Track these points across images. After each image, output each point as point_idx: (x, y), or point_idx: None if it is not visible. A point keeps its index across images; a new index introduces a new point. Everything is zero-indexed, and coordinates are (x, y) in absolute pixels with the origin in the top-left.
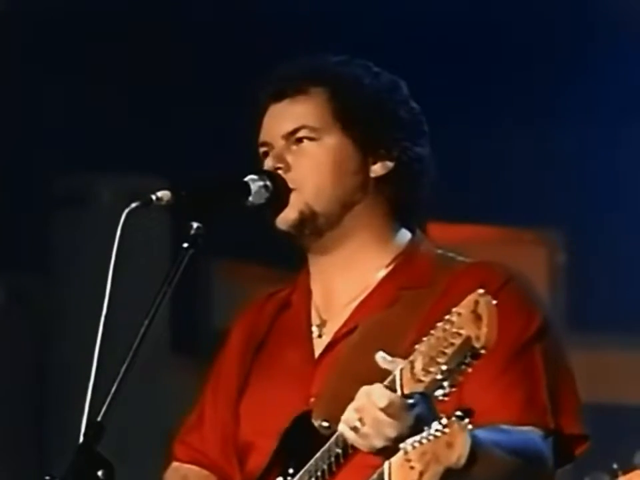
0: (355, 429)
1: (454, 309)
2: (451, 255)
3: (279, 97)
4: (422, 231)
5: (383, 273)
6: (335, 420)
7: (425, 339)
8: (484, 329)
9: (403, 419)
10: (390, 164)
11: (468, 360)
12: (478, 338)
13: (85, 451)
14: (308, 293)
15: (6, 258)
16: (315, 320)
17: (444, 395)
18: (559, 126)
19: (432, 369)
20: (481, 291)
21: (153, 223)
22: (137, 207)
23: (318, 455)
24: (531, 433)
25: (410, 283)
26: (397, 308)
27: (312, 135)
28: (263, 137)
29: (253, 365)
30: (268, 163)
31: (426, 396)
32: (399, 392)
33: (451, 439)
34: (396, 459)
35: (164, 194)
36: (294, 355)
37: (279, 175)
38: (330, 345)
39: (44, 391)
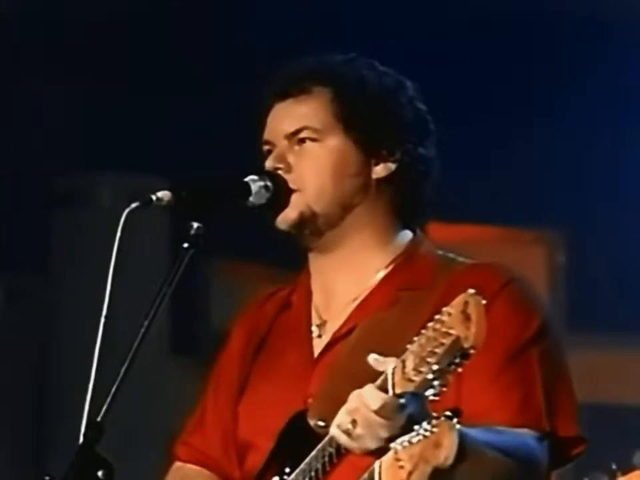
0: (347, 432)
1: (444, 309)
2: (451, 255)
3: (283, 96)
4: (422, 231)
5: (382, 273)
6: (331, 419)
7: (416, 338)
8: (472, 330)
9: (396, 419)
10: (392, 166)
11: (458, 360)
12: (467, 338)
13: (84, 451)
14: (308, 293)
15: (6, 258)
16: (315, 320)
17: (435, 395)
18: (558, 126)
19: (422, 369)
20: (471, 291)
21: (153, 223)
22: (137, 207)
23: (312, 454)
24: (525, 435)
25: (409, 284)
26: (396, 309)
27: (314, 135)
28: (266, 135)
29: (253, 364)
30: (269, 164)
31: (417, 395)
32: (390, 392)
33: (438, 439)
34: (386, 458)
35: (164, 194)
36: (293, 354)
37: (280, 176)
38: (329, 345)
39: (44, 391)
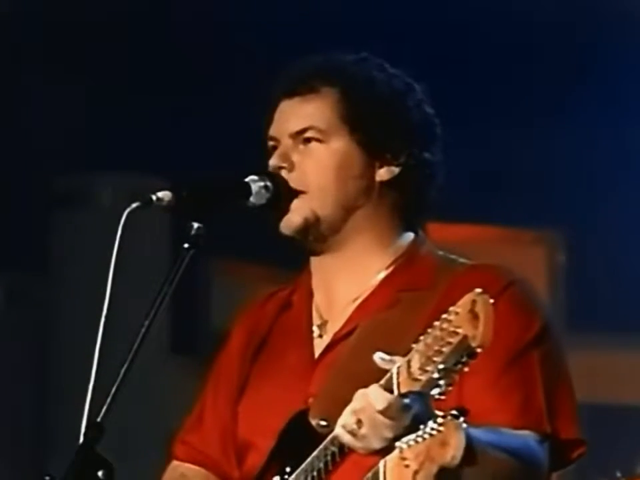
0: (352, 432)
1: (451, 308)
2: (452, 256)
3: (290, 93)
4: (422, 231)
5: (383, 274)
6: (332, 419)
7: (421, 337)
8: (481, 329)
9: (401, 419)
10: (396, 169)
11: (464, 359)
12: (475, 337)
13: (85, 451)
14: (309, 293)
15: (6, 258)
16: (315, 320)
17: (440, 394)
18: (558, 126)
19: (429, 368)
20: (479, 290)
21: (153, 223)
22: (137, 207)
23: (314, 453)
24: (527, 436)
25: (410, 285)
26: (397, 310)
27: (319, 136)
28: (272, 132)
29: (253, 364)
30: (272, 161)
31: (422, 395)
32: (395, 391)
33: (445, 438)
34: (391, 457)
35: (164, 194)
36: (294, 354)
37: (280, 176)
38: (329, 346)
39: (44, 391)
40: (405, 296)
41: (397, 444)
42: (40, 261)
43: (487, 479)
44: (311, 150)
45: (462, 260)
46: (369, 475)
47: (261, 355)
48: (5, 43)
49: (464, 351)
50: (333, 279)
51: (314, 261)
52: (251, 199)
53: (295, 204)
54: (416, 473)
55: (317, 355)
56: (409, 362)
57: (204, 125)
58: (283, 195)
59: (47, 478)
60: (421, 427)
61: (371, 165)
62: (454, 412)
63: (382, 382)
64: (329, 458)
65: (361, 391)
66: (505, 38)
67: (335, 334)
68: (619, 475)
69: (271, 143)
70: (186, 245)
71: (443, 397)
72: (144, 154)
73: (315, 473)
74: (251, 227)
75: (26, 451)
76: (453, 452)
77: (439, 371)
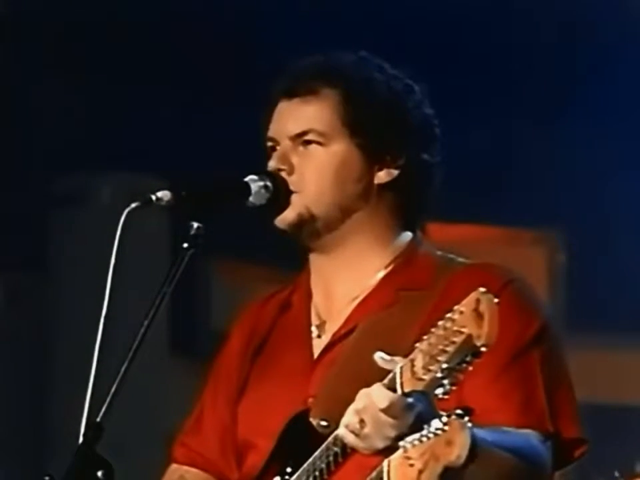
0: (355, 432)
1: (456, 307)
2: (451, 256)
3: (290, 94)
4: (421, 231)
5: (382, 273)
6: (333, 419)
7: (425, 337)
8: (485, 328)
9: (404, 418)
10: (394, 171)
11: (469, 358)
12: (479, 336)
13: (84, 451)
14: (308, 293)
15: (5, 257)
16: (314, 320)
17: (444, 393)
18: (559, 126)
19: (432, 367)
20: (483, 289)
21: (152, 223)
22: (136, 207)
23: (316, 454)
24: (529, 436)
25: (409, 285)
26: (396, 309)
27: (319, 139)
28: (271, 133)
29: (253, 365)
30: (272, 164)
31: (425, 394)
32: (399, 391)
33: (450, 437)
34: (395, 456)
35: (164, 194)
36: (293, 355)
37: (280, 176)
38: (329, 346)
39: (43, 391)
40: (404, 295)
41: (401, 443)
42: (39, 260)
43: (491, 479)
44: (310, 152)
45: (460, 259)
46: (373, 474)
47: (260, 355)
48: (5, 42)
49: (468, 350)
50: (332, 279)
51: (313, 260)
52: (251, 198)
53: (292, 200)
54: (420, 472)
55: (315, 355)
56: (412, 361)
57: (203, 124)
58: (283, 195)
59: (47, 478)
60: (425, 426)
61: (370, 167)
62: (459, 411)
63: (385, 381)
64: (331, 458)
65: (363, 391)
66: (505, 38)
67: (334, 333)
68: (617, 475)
69: (269, 144)
70: (185, 245)
71: (446, 397)
72: (143, 154)
73: (317, 473)
74: (251, 227)
75: (26, 451)
76: (458, 451)
77: (443, 370)
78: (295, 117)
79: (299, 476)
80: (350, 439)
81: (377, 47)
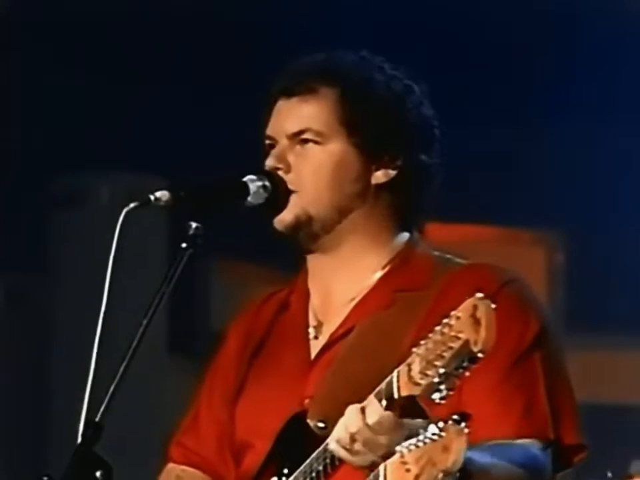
0: (346, 447)
1: (452, 313)
2: (448, 256)
3: (288, 93)
4: (420, 232)
5: (379, 274)
6: (330, 420)
7: (422, 342)
8: (482, 333)
9: (393, 435)
10: (392, 172)
11: (466, 364)
12: (476, 342)
13: (82, 451)
14: (306, 294)
15: (4, 257)
16: (311, 321)
17: (441, 398)
18: (558, 127)
19: (429, 372)
20: (480, 295)
21: (151, 223)
22: (135, 207)
23: (313, 455)
24: (529, 446)
25: (406, 285)
26: (393, 310)
27: (316, 138)
28: (269, 131)
29: (251, 365)
30: (269, 162)
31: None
32: (395, 395)
33: (447, 443)
34: (392, 461)
35: (162, 194)
36: (290, 356)
37: (278, 176)
38: (326, 347)
39: (42, 391)
40: (401, 296)
41: (398, 448)
42: (38, 260)
43: None
44: (307, 151)
45: (457, 259)
46: (370, 478)
47: (258, 356)
48: (5, 42)
49: (465, 356)
50: (329, 279)
51: (310, 261)
52: (249, 198)
53: (290, 201)
54: (417, 477)
55: (313, 356)
56: (409, 365)
57: (203, 124)
58: (281, 194)
59: (45, 478)
60: (421, 431)
61: (367, 167)
62: (455, 417)
63: (382, 385)
64: (328, 460)
65: (353, 406)
66: (504, 37)
67: (332, 334)
68: (609, 475)
69: (268, 142)
70: (184, 245)
71: (443, 402)
72: (142, 154)
73: (313, 475)
74: (250, 227)
75: (26, 451)
76: (455, 457)
77: (440, 375)
78: (293, 115)
79: (295, 477)
80: (341, 454)
81: (377, 47)
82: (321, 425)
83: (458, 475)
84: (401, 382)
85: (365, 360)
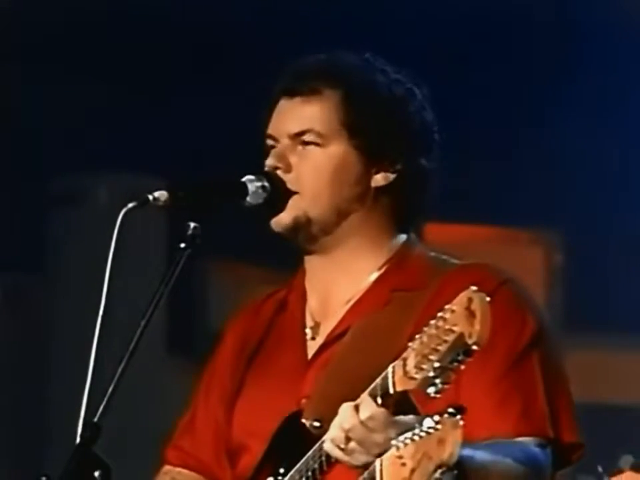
0: (341, 446)
1: (447, 306)
2: (444, 257)
3: (291, 93)
4: (417, 233)
5: (375, 275)
6: (326, 419)
7: (417, 336)
8: (477, 326)
9: (386, 433)
10: (391, 175)
11: (461, 357)
12: (471, 335)
13: (81, 451)
14: (303, 294)
15: (3, 257)
16: (308, 322)
17: (436, 392)
18: (558, 126)
19: (424, 366)
20: (474, 287)
21: (150, 223)
22: (134, 207)
23: (309, 454)
24: (528, 444)
25: (402, 285)
26: (389, 309)
27: (318, 140)
28: (270, 130)
29: (249, 367)
30: (269, 162)
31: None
32: (391, 390)
33: (442, 436)
34: (387, 455)
35: (161, 194)
36: (287, 356)
37: (277, 176)
38: (322, 347)
39: (41, 391)
40: (397, 296)
41: (393, 442)
42: (37, 260)
43: None
44: (308, 153)
45: (454, 260)
46: (365, 474)
47: (256, 357)
48: (4, 42)
49: (460, 349)
50: (327, 280)
51: (307, 262)
52: (248, 198)
53: (289, 203)
54: (413, 471)
55: (309, 356)
56: (404, 360)
57: (201, 124)
58: (280, 195)
59: (43, 478)
60: (417, 425)
61: (367, 170)
62: (451, 410)
63: (377, 381)
64: (323, 458)
65: (347, 404)
66: (504, 37)
67: (328, 335)
68: (600, 470)
69: (269, 142)
70: (182, 245)
71: (438, 396)
72: (141, 154)
73: (309, 473)
74: (249, 228)
75: (25, 451)
76: (451, 449)
77: (435, 369)
78: (296, 116)
79: (292, 476)
80: (336, 453)
81: (377, 47)
82: (316, 424)
83: (455, 471)
84: (396, 377)
85: (360, 359)
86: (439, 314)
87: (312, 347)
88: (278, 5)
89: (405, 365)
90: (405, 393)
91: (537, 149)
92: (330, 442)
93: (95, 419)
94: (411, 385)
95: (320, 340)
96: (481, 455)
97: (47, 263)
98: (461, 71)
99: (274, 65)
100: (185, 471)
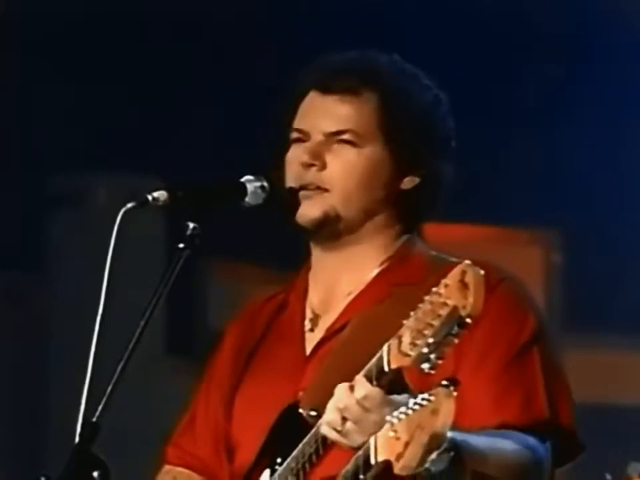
0: (337, 428)
1: (442, 280)
2: (444, 255)
3: (324, 89)
4: (417, 232)
5: (377, 270)
6: (322, 409)
7: (412, 313)
8: (470, 299)
9: (382, 412)
10: (417, 179)
11: (455, 330)
12: (465, 307)
13: (80, 451)
14: (304, 291)
15: (3, 257)
16: (308, 314)
17: (431, 368)
18: (557, 126)
19: (419, 342)
20: (468, 261)
21: (149, 223)
22: (133, 207)
23: (305, 440)
24: (528, 437)
25: (402, 280)
26: (388, 303)
27: (355, 140)
28: (301, 125)
29: (248, 365)
30: (302, 158)
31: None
32: (386, 368)
33: (436, 406)
34: (382, 432)
35: (160, 194)
36: (286, 352)
37: (276, 176)
38: (322, 341)
39: (41, 391)
40: (396, 290)
41: (387, 418)
42: (36, 260)
43: None
44: (344, 152)
45: (453, 259)
46: (360, 452)
47: (255, 354)
48: (4, 42)
49: (454, 322)
50: (332, 275)
51: (316, 255)
52: (247, 199)
53: (317, 198)
54: (407, 444)
55: (308, 350)
56: (399, 338)
57: (201, 124)
58: (279, 195)
59: (43, 478)
60: (411, 399)
61: (397, 173)
62: (444, 382)
63: (374, 359)
64: (319, 443)
65: (342, 385)
66: (504, 36)
67: (328, 329)
68: (608, 477)
69: (295, 135)
70: (181, 245)
71: (433, 372)
72: (140, 154)
73: (305, 459)
74: (249, 228)
75: (24, 451)
76: (444, 419)
77: (429, 345)
78: (332, 114)
79: (288, 463)
80: (332, 435)
81: (377, 47)
82: (313, 413)
83: (452, 453)
84: (391, 354)
85: (359, 352)
86: (434, 289)
87: (311, 341)
88: (281, 5)
89: (400, 343)
90: (399, 373)
91: (536, 148)
92: (326, 424)
93: (94, 419)
94: (406, 362)
95: (319, 334)
96: (478, 440)
97: (47, 263)
98: (460, 69)
99: (274, 65)
100: (186, 471)
